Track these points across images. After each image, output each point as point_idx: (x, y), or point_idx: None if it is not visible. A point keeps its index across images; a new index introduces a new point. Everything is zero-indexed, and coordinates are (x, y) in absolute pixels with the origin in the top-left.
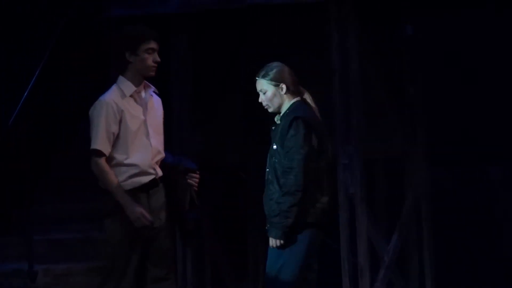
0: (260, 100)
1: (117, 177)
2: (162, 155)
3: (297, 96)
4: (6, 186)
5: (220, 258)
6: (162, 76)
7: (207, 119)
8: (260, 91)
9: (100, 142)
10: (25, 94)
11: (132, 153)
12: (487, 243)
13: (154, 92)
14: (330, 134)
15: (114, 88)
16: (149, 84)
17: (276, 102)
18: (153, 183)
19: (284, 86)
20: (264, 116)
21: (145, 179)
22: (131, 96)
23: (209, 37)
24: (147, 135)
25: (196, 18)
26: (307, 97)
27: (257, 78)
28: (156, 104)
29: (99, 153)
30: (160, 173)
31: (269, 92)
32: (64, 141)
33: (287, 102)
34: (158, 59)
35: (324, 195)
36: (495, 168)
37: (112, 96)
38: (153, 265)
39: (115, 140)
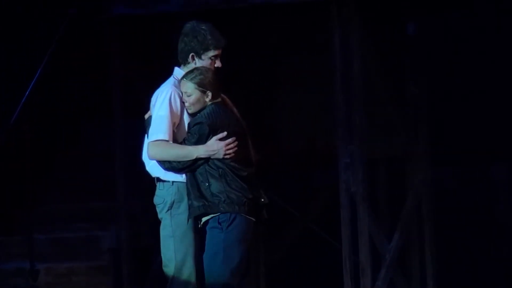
0: (183, 100)
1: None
2: None
3: (218, 100)
4: (9, 185)
5: None
6: (163, 75)
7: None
8: (185, 92)
9: (167, 130)
10: (26, 93)
11: None
12: (487, 242)
13: None
14: (330, 134)
15: (172, 81)
16: None
17: (197, 106)
18: None
19: (210, 94)
20: (264, 115)
21: None
22: None
23: None
24: None
25: (198, 17)
26: (226, 99)
27: (184, 79)
28: None
29: (164, 141)
30: None
31: (194, 97)
32: (66, 141)
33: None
34: (220, 65)
35: (241, 188)
36: (496, 168)
37: (176, 87)
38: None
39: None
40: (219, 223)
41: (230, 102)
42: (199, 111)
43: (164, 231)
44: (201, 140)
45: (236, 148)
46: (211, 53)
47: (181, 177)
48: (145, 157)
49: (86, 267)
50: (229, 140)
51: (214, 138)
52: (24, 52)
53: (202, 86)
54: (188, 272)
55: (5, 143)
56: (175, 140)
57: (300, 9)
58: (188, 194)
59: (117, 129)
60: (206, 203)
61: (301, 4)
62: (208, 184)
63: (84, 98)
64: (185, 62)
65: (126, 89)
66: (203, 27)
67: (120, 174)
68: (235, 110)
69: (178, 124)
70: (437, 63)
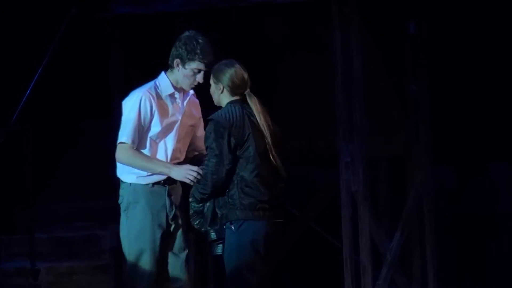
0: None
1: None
2: (181, 158)
3: (236, 98)
4: (9, 185)
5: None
6: None
7: (209, 116)
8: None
9: (131, 134)
10: (27, 93)
11: (153, 151)
12: (488, 241)
13: (193, 95)
14: (331, 133)
15: (153, 84)
16: None
17: (215, 97)
18: (170, 180)
19: (221, 87)
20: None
21: (162, 176)
22: (168, 96)
23: (211, 35)
24: (173, 136)
25: (198, 16)
26: (251, 100)
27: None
28: (192, 106)
29: (127, 144)
30: None
31: (211, 87)
32: (66, 140)
33: (225, 102)
34: (201, 80)
35: (258, 193)
36: (498, 167)
37: (149, 92)
38: (168, 264)
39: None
40: (231, 224)
41: (258, 105)
42: (218, 103)
43: (121, 231)
44: (218, 135)
45: (195, 178)
46: (194, 65)
47: (142, 180)
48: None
49: (87, 266)
50: (195, 167)
51: (181, 167)
52: (26, 50)
53: (216, 78)
54: (141, 271)
55: (5, 143)
56: (141, 143)
57: (300, 8)
58: (214, 202)
59: (117, 129)
60: (224, 211)
61: (302, 3)
62: (228, 190)
63: (84, 98)
64: (171, 66)
65: (126, 89)
66: (198, 39)
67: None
68: (261, 114)
69: (147, 129)
70: (438, 61)
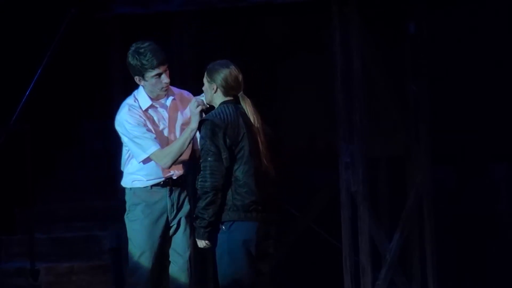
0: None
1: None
2: (185, 156)
3: (229, 98)
4: (9, 185)
5: None
6: None
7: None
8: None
9: (147, 143)
10: (27, 93)
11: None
12: (488, 241)
13: (177, 95)
14: (331, 133)
15: (132, 99)
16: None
17: (207, 96)
18: (169, 181)
19: (215, 87)
20: (265, 114)
21: (160, 178)
22: (148, 108)
23: (211, 35)
24: (166, 142)
25: (198, 16)
26: (244, 102)
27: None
28: (180, 104)
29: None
30: (179, 172)
31: (204, 86)
32: (66, 140)
33: (218, 102)
34: (167, 80)
35: (251, 194)
36: (498, 167)
37: (132, 107)
38: (171, 262)
39: None
40: (222, 224)
41: (251, 106)
42: (210, 102)
43: (127, 235)
44: (214, 135)
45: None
46: (150, 73)
47: (139, 183)
48: (123, 167)
49: (86, 267)
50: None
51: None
52: (26, 50)
53: (210, 77)
54: (139, 272)
55: (5, 143)
56: None
57: (300, 8)
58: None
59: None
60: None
61: (302, 4)
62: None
63: (84, 98)
64: (139, 83)
65: (126, 89)
66: (139, 50)
67: (120, 173)
68: (254, 116)
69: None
70: (438, 61)
